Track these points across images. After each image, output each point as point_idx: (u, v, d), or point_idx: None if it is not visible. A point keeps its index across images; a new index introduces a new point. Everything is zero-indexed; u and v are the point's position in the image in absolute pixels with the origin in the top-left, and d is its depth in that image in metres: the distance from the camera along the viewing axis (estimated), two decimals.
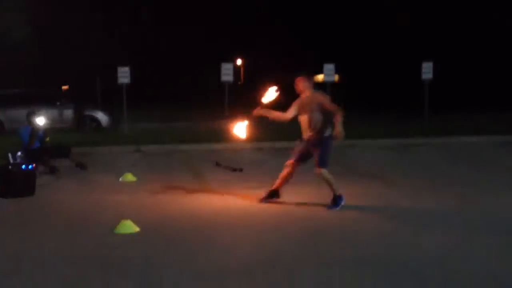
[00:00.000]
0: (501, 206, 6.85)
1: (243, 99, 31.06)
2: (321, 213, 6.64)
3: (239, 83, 41.70)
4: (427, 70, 15.95)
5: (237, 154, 12.07)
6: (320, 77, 26.47)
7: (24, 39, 26.51)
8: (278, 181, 7.18)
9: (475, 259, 4.89)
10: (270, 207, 6.98)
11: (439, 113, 18.03)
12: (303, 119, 6.92)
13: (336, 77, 26.43)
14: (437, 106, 18.28)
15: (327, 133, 6.82)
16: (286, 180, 7.18)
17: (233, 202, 7.35)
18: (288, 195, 7.37)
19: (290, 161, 7.08)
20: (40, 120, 9.90)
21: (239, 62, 44.33)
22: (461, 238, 5.51)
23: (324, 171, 6.82)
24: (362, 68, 33.24)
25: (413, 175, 9.18)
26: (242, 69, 45.22)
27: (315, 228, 6.00)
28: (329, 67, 17.26)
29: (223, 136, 14.56)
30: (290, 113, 7.04)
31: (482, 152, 11.90)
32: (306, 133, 6.91)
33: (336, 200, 6.82)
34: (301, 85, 6.96)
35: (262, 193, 7.30)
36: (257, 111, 7.03)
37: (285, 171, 7.11)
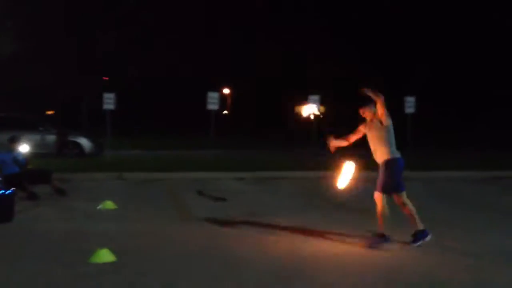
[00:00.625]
0: (481, 240, 6.89)
1: (229, 128, 31.13)
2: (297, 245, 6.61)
3: (225, 112, 41.86)
4: (410, 104, 16.13)
5: (220, 183, 12.04)
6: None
7: (9, 59, 26.42)
8: (379, 222, 6.53)
9: None
10: (248, 238, 6.93)
11: (424, 146, 18.25)
12: (371, 142, 6.59)
13: (321, 108, 26.72)
14: (422, 138, 18.51)
15: (393, 155, 6.45)
16: (382, 216, 6.52)
17: (214, 231, 7.29)
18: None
19: (376, 194, 6.55)
20: (24, 148, 9.90)
21: (226, 91, 44.53)
22: (447, 272, 5.52)
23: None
24: (346, 101, 33.49)
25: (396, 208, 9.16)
26: (229, 99, 45.40)
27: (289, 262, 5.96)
28: (314, 98, 17.41)
29: (207, 164, 14.61)
30: (354, 136, 6.72)
31: (464, 187, 12.02)
32: (376, 157, 6.56)
33: (417, 235, 6.34)
34: (367, 108, 6.51)
35: (369, 239, 6.68)
36: (333, 144, 6.75)
37: (378, 208, 6.52)
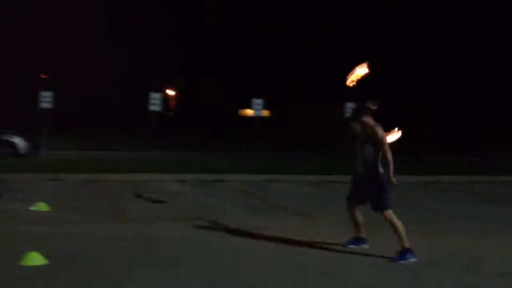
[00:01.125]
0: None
1: (173, 130, 30.77)
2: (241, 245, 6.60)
3: (168, 113, 41.38)
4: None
5: (160, 185, 11.88)
6: (249, 112, 26.85)
7: None
8: (398, 237, 6.14)
9: None
10: (186, 239, 6.86)
11: None
12: (357, 152, 6.38)
13: (265, 112, 26.83)
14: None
15: (381, 169, 6.19)
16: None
17: (152, 234, 7.17)
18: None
19: (383, 215, 6.25)
20: None
21: (171, 92, 44.05)
22: (376, 274, 5.65)
23: (388, 213, 6.17)
24: (292, 105, 33.82)
25: (331, 209, 9.25)
26: (173, 100, 44.97)
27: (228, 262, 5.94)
28: (257, 101, 17.49)
29: (147, 166, 14.38)
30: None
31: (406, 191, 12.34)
32: (358, 168, 6.37)
33: (403, 253, 6.03)
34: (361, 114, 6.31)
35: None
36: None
37: (391, 225, 6.20)
